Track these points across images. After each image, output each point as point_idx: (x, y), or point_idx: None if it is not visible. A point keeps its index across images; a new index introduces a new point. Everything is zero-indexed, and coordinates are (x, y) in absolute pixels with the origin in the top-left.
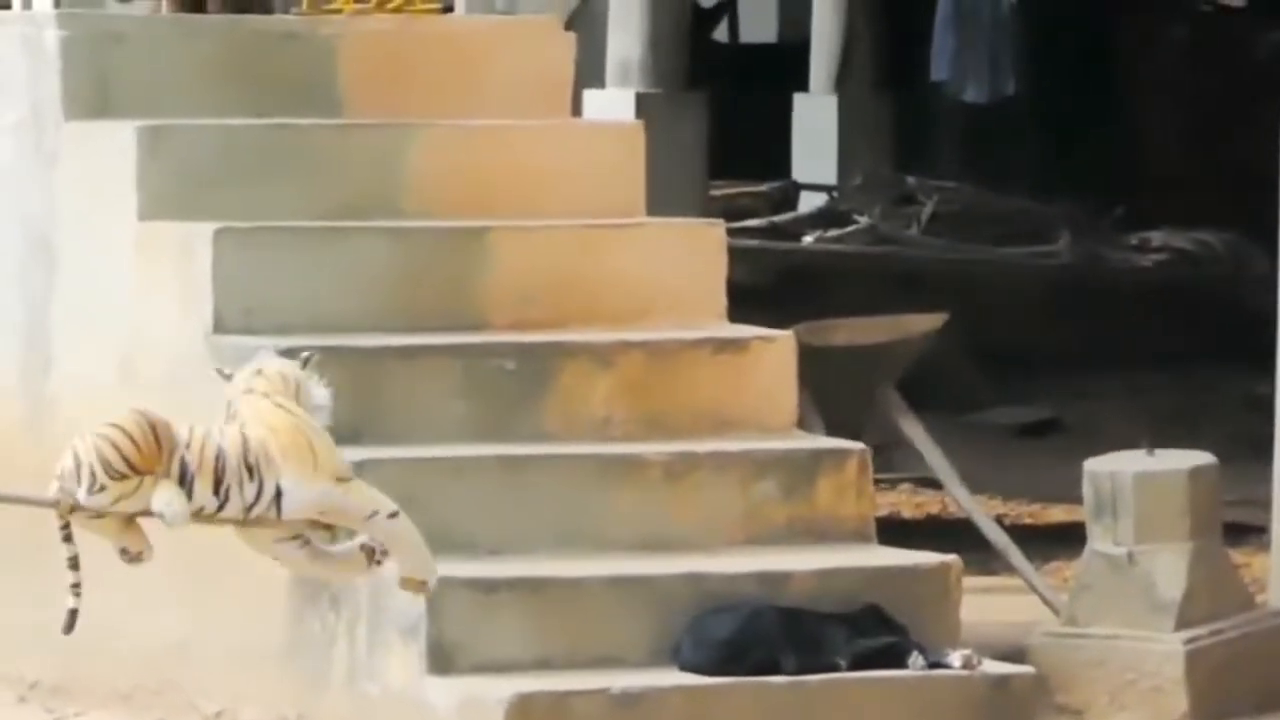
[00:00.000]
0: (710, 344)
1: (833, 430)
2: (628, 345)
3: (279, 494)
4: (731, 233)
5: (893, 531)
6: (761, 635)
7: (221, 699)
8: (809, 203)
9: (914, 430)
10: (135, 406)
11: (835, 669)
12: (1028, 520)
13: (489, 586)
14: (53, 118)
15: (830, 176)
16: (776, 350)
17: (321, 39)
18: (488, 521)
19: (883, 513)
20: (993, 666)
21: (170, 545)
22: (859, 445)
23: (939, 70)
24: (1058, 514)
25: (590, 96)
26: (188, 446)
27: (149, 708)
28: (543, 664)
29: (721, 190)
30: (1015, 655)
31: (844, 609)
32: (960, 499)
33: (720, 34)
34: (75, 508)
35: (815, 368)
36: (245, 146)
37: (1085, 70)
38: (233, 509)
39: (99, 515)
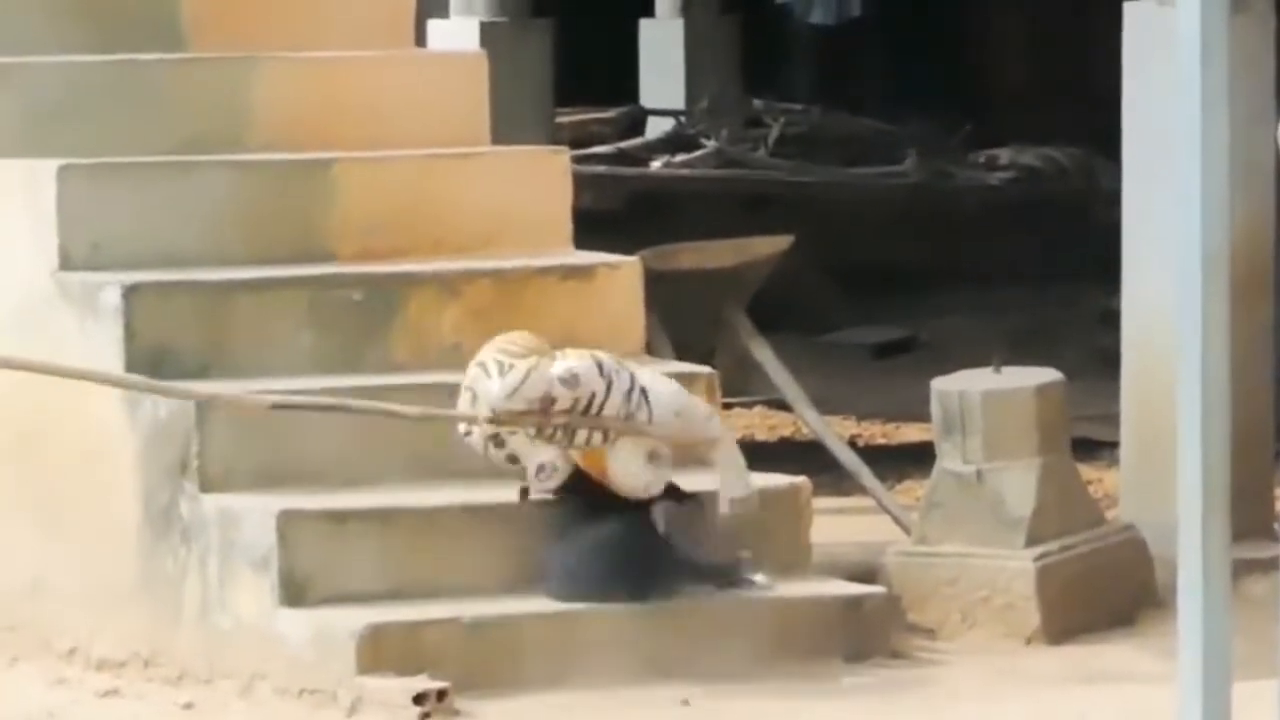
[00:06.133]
0: (557, 271)
1: (682, 354)
2: (474, 274)
3: (645, 391)
4: (580, 159)
5: (746, 453)
6: (605, 562)
7: (74, 636)
8: (657, 128)
9: (762, 353)
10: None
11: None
12: (881, 440)
13: (340, 517)
14: None
15: (678, 101)
16: (623, 276)
17: None
18: (338, 453)
19: (736, 435)
20: (845, 587)
21: (19, 484)
22: (707, 369)
23: None
24: (912, 433)
25: (434, 26)
26: (562, 351)
27: (1, 646)
28: (396, 594)
29: (569, 117)
30: (867, 575)
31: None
32: (809, 420)
33: None
34: (493, 418)
35: (662, 293)
36: (89, 82)
37: None
38: (615, 399)
39: (514, 423)
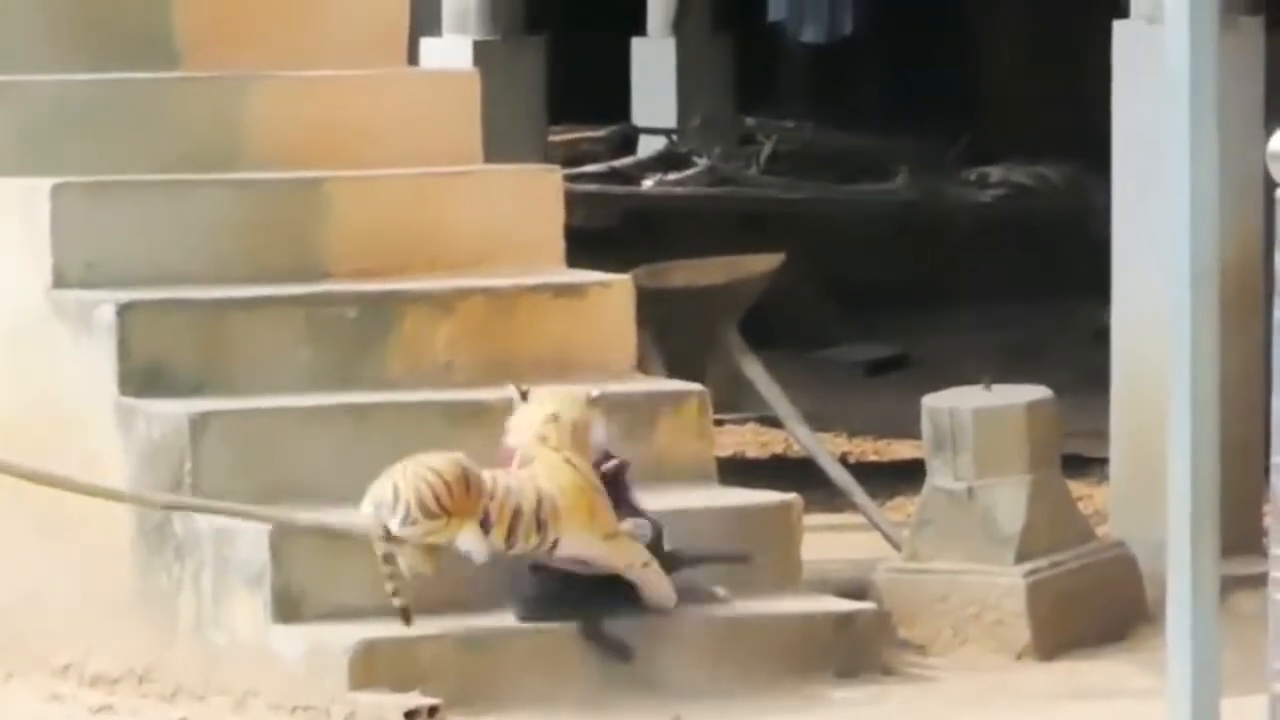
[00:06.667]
0: (550, 289)
1: (674, 371)
2: (468, 291)
3: (555, 544)
4: (572, 178)
5: (738, 471)
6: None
7: (69, 652)
8: (649, 146)
9: (754, 370)
10: (455, 455)
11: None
12: (873, 457)
13: (333, 535)
14: None
15: (670, 120)
16: (615, 294)
17: None
18: (333, 470)
19: (727, 452)
20: (836, 603)
21: (15, 501)
22: (698, 386)
23: (776, 10)
24: (903, 450)
25: (427, 45)
26: (492, 497)
27: None
28: (389, 610)
29: (561, 135)
30: (858, 592)
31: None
32: (800, 437)
33: None
34: (388, 536)
35: (654, 310)
36: (84, 101)
37: (922, 7)
38: (514, 553)
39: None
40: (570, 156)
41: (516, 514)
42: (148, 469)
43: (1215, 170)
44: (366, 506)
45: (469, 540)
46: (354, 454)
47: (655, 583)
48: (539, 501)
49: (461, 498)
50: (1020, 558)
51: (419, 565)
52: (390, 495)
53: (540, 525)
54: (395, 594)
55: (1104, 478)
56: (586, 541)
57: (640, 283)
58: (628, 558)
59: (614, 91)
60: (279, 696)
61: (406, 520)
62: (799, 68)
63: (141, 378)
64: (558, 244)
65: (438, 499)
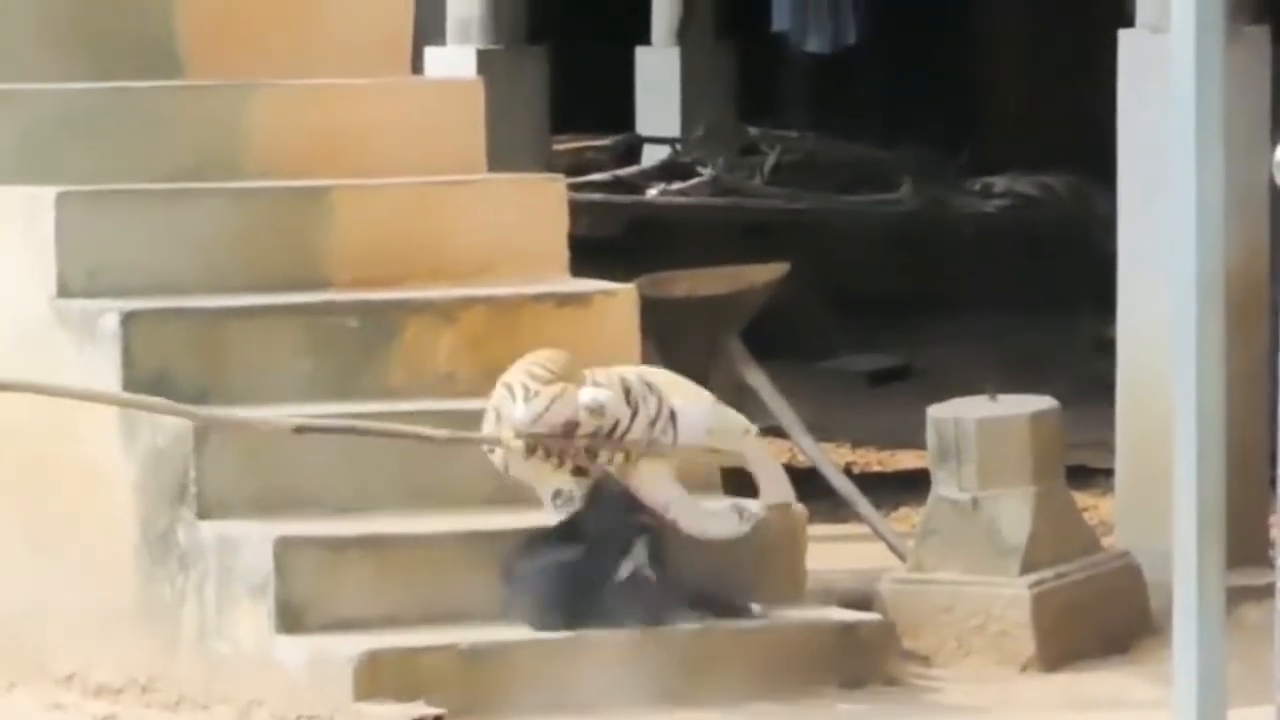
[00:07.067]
0: (553, 298)
1: None
2: (470, 301)
3: (673, 414)
4: (576, 187)
5: (743, 480)
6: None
7: (72, 662)
8: (652, 156)
9: (758, 380)
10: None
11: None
12: (877, 467)
13: (337, 545)
14: None
15: (673, 129)
16: (619, 303)
17: (161, 1)
18: (335, 479)
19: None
20: (840, 614)
21: (19, 510)
22: None
23: (780, 20)
24: (907, 460)
25: (431, 54)
26: (591, 371)
27: None
28: (392, 621)
29: (565, 145)
30: (863, 602)
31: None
32: (804, 447)
33: None
34: (519, 436)
35: (658, 320)
36: (86, 109)
37: (926, 17)
38: (640, 425)
39: (537, 446)
40: (574, 165)
41: (623, 379)
42: (152, 477)
43: (1221, 179)
44: (489, 421)
45: (590, 392)
46: (356, 463)
47: (769, 458)
48: (637, 374)
49: (565, 366)
50: (1025, 568)
51: (553, 480)
52: (502, 390)
53: (650, 387)
54: (545, 495)
55: (1109, 488)
56: (700, 403)
57: (643, 292)
58: (742, 420)
59: (618, 101)
60: (282, 707)
61: (528, 395)
62: (802, 77)
63: (145, 386)
64: (561, 253)
65: (546, 369)
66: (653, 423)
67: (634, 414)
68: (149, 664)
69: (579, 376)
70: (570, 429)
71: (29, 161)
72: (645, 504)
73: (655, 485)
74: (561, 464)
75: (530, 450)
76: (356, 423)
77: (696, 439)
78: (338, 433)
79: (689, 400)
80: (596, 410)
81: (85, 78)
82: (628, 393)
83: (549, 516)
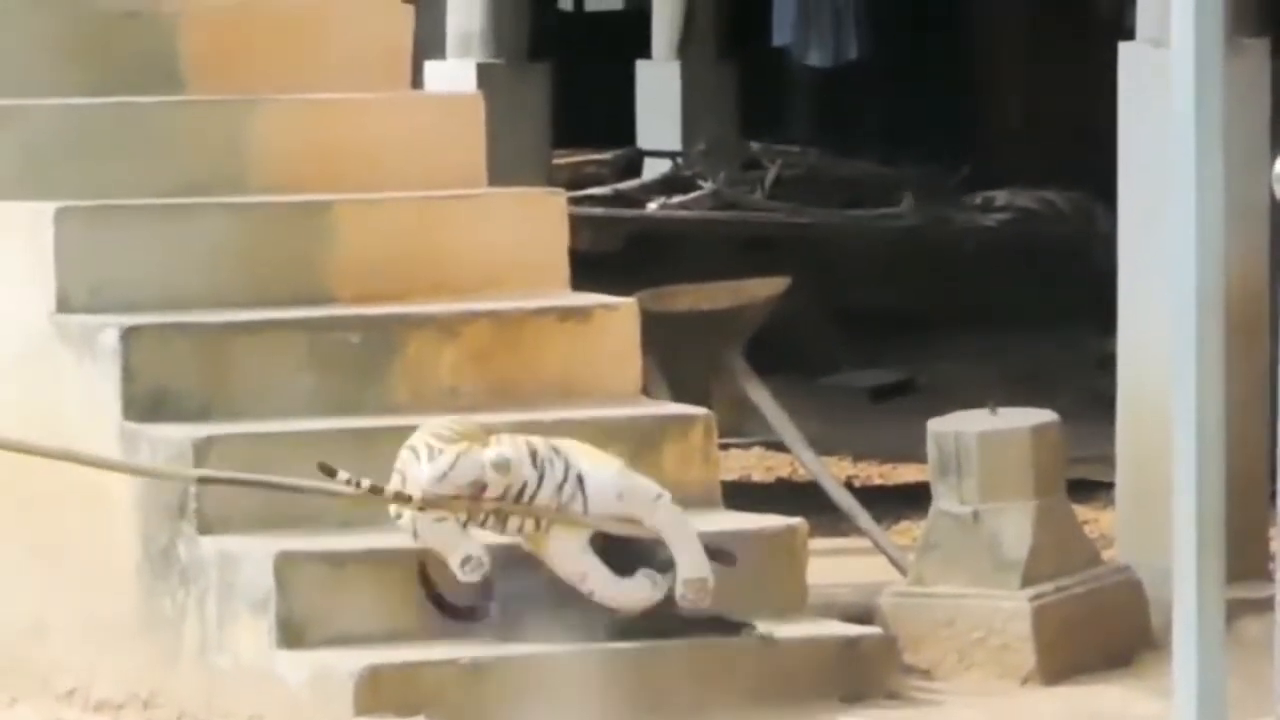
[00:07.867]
0: (554, 312)
1: (679, 395)
2: (473, 315)
3: (581, 479)
4: (576, 201)
5: (744, 495)
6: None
7: (74, 677)
8: (653, 169)
9: (759, 394)
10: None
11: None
12: (878, 481)
13: (338, 559)
14: None
15: (674, 143)
16: (620, 318)
17: (163, 17)
18: (337, 496)
19: (733, 476)
20: (841, 628)
21: (20, 525)
22: (703, 411)
23: (781, 35)
24: (909, 474)
25: (431, 68)
26: (496, 436)
27: (0, 687)
28: (394, 636)
29: (566, 159)
30: (864, 616)
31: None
32: (806, 461)
33: (564, 2)
34: (425, 500)
35: (659, 334)
36: (87, 124)
37: (927, 32)
38: (547, 489)
39: (443, 508)
40: (574, 180)
41: (528, 443)
42: (152, 492)
43: (1221, 193)
44: (394, 484)
45: (495, 450)
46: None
47: (684, 528)
48: (543, 441)
49: (470, 429)
50: (1026, 582)
51: (461, 546)
52: (406, 453)
53: (556, 451)
54: (454, 559)
55: (1109, 502)
56: (609, 468)
57: (645, 306)
58: (653, 487)
59: (618, 115)
60: None
61: (433, 454)
62: (804, 92)
63: (145, 402)
64: (562, 267)
65: (450, 429)
66: (560, 487)
67: (541, 477)
68: (150, 679)
69: (483, 440)
70: (478, 490)
71: (31, 177)
72: (560, 576)
73: (568, 557)
74: (467, 525)
75: (438, 515)
76: (263, 476)
77: (608, 504)
78: (242, 485)
79: (596, 465)
80: (502, 466)
81: (87, 93)
82: (533, 455)
83: (462, 579)
